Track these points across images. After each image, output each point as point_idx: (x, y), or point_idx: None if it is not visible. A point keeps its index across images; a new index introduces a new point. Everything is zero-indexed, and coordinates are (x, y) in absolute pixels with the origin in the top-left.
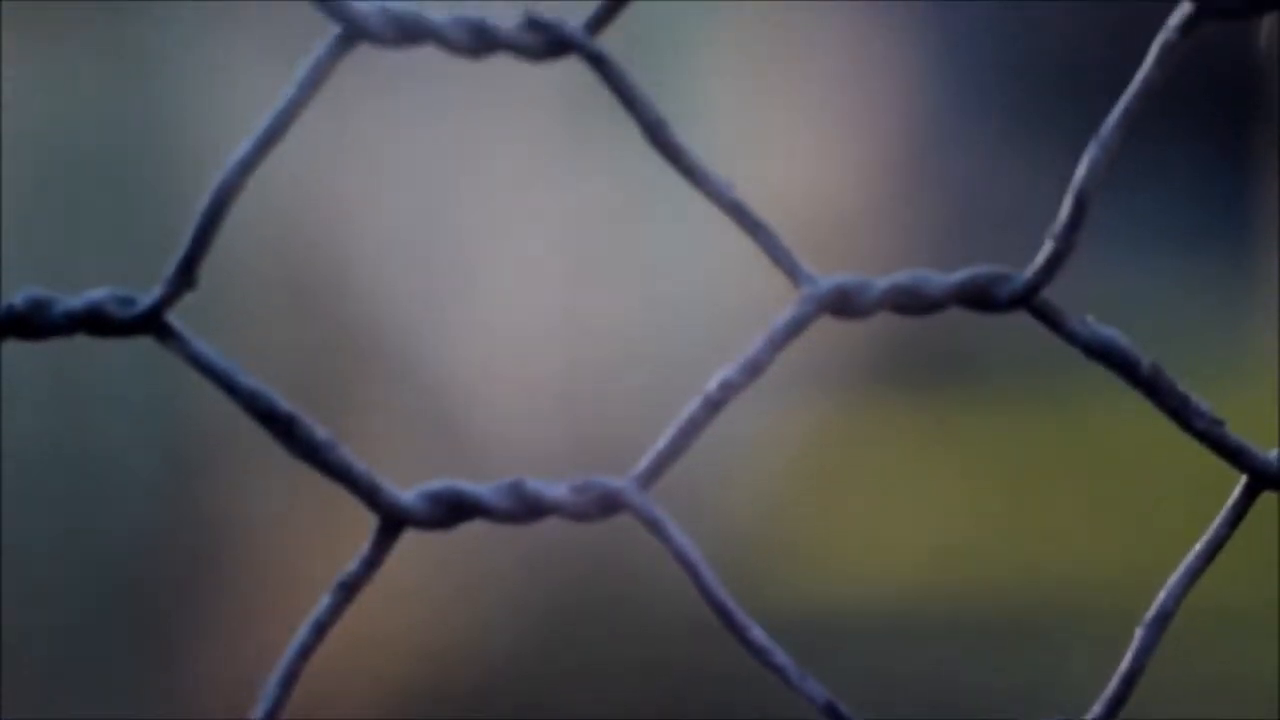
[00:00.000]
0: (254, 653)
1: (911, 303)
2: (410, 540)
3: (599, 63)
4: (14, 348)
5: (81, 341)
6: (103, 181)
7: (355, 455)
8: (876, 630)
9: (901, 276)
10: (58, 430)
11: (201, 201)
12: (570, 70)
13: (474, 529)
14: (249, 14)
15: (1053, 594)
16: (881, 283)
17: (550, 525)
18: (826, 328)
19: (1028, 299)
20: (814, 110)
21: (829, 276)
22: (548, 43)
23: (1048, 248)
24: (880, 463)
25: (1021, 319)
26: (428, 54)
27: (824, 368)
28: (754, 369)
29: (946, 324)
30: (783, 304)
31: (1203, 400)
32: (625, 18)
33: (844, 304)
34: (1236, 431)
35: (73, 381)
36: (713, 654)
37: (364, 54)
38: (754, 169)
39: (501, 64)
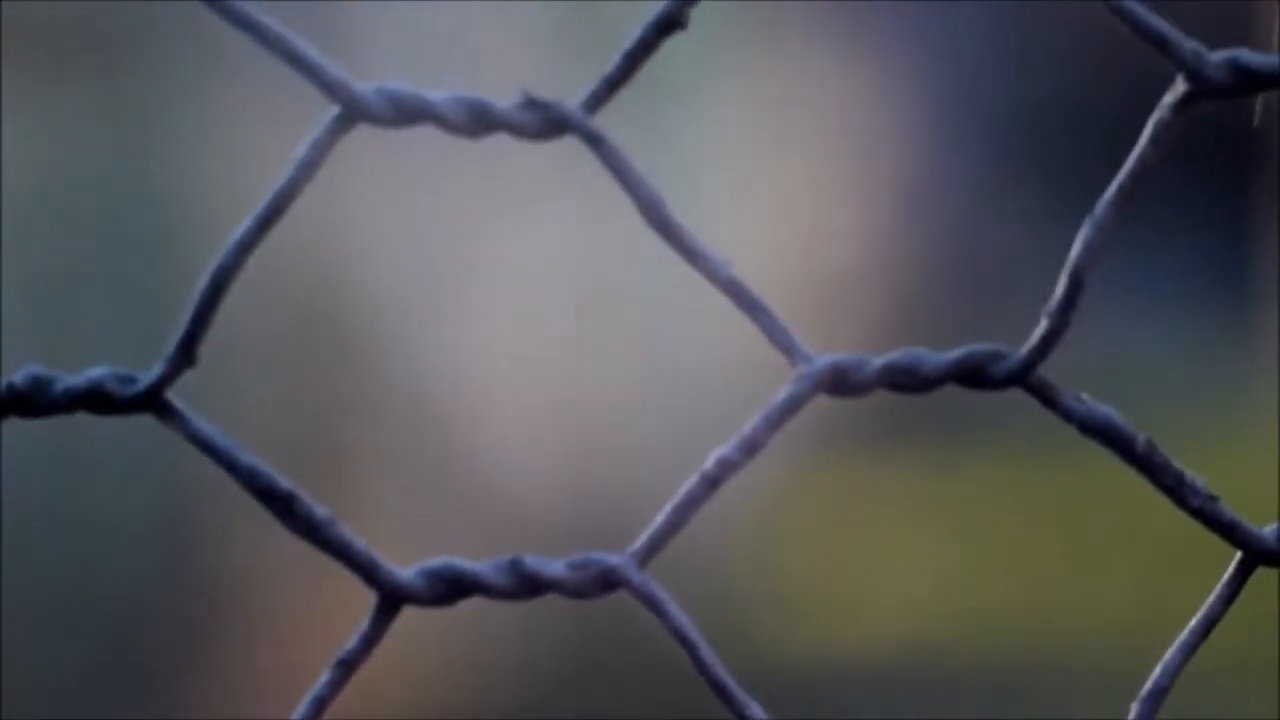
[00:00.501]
0: (253, 713)
1: (907, 381)
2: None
3: (596, 142)
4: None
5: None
6: (101, 236)
7: (354, 533)
8: (873, 683)
9: (897, 355)
10: (56, 487)
11: (201, 281)
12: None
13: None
14: (248, 70)
15: (1048, 647)
16: (877, 361)
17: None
18: None
19: (1023, 377)
20: (810, 163)
21: (825, 355)
22: (545, 122)
23: (1043, 326)
24: (875, 516)
25: (1010, 337)
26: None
27: (819, 421)
28: (751, 447)
29: None
30: (781, 371)
31: (1198, 477)
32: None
33: (840, 382)
34: (1237, 490)
35: (71, 438)
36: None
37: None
38: (750, 223)
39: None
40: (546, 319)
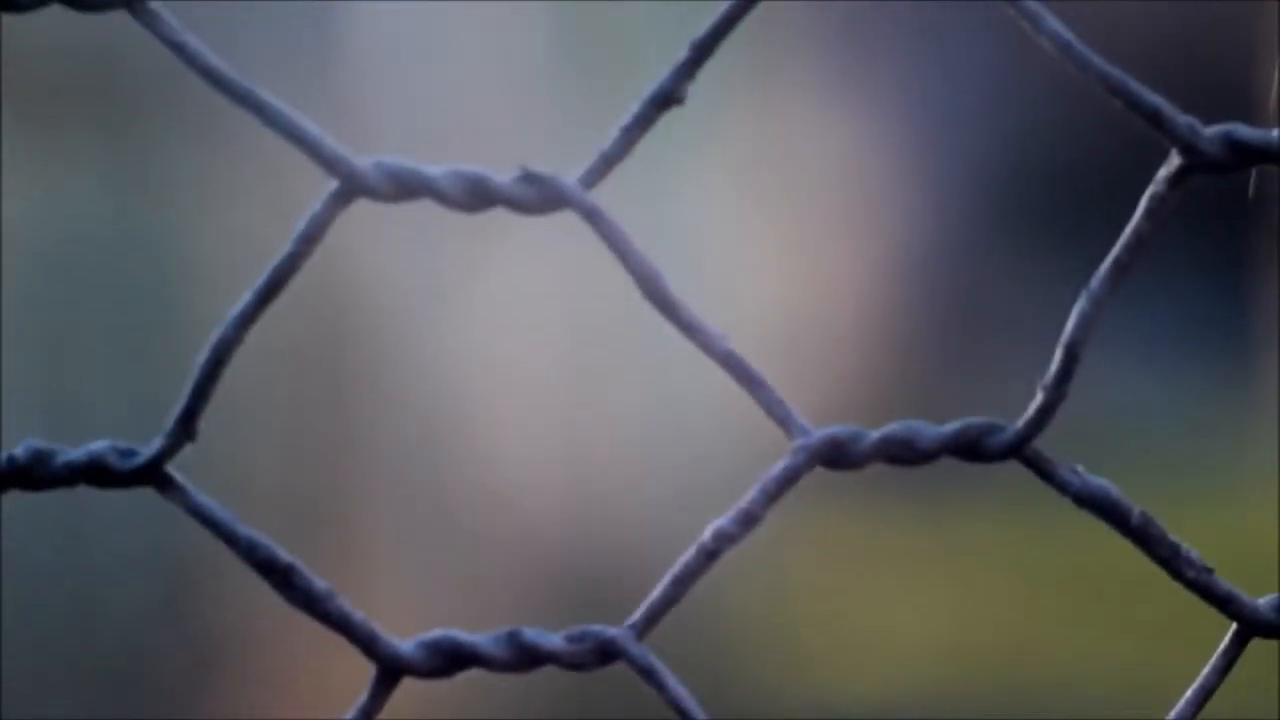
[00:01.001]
0: None
1: (903, 454)
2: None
3: (594, 217)
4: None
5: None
6: (101, 289)
7: (352, 606)
8: None
9: (894, 428)
10: (55, 540)
11: (201, 355)
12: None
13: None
14: (249, 125)
15: (1045, 705)
16: (873, 434)
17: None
18: (831, 424)
19: (1019, 450)
20: (805, 214)
21: (822, 429)
22: (543, 197)
23: (1038, 399)
24: (874, 568)
25: (1007, 390)
26: (425, 156)
27: (819, 472)
28: (749, 520)
29: None
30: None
31: (1192, 549)
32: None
33: (836, 455)
34: (1237, 536)
35: (69, 498)
36: None
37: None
38: (744, 273)
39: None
40: (545, 363)
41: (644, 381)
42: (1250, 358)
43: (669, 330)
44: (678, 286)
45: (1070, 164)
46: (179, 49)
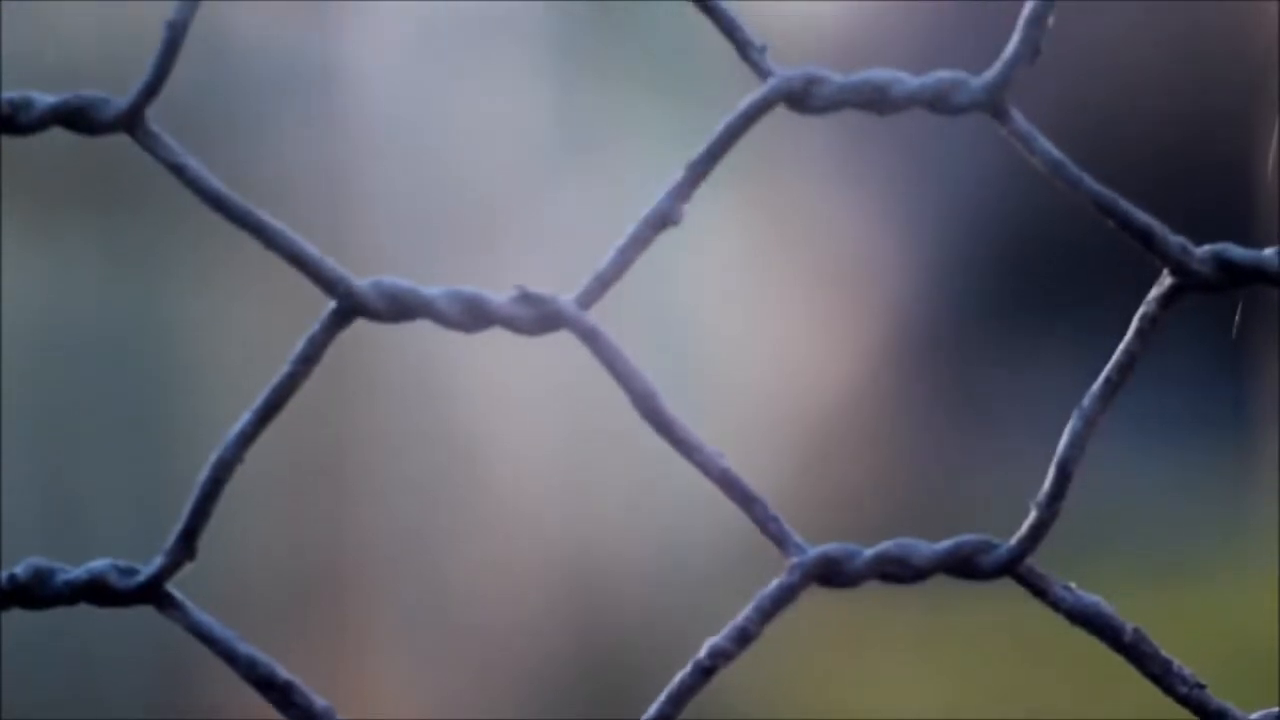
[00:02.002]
0: None
1: (898, 572)
2: None
3: (592, 338)
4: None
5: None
6: (100, 373)
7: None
8: None
9: (888, 546)
10: (52, 626)
11: (201, 474)
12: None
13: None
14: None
15: None
16: (868, 552)
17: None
18: (829, 509)
19: (1012, 567)
20: (805, 292)
21: (817, 547)
22: (540, 317)
23: (1032, 517)
24: (877, 650)
25: (1022, 503)
26: (421, 198)
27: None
28: (744, 638)
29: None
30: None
31: (1185, 666)
32: (622, 209)
33: (832, 573)
34: (1237, 621)
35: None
36: None
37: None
38: (747, 361)
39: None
40: (543, 454)
41: (644, 465)
42: (1249, 442)
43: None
44: (680, 366)
45: (1064, 247)
46: (179, 171)
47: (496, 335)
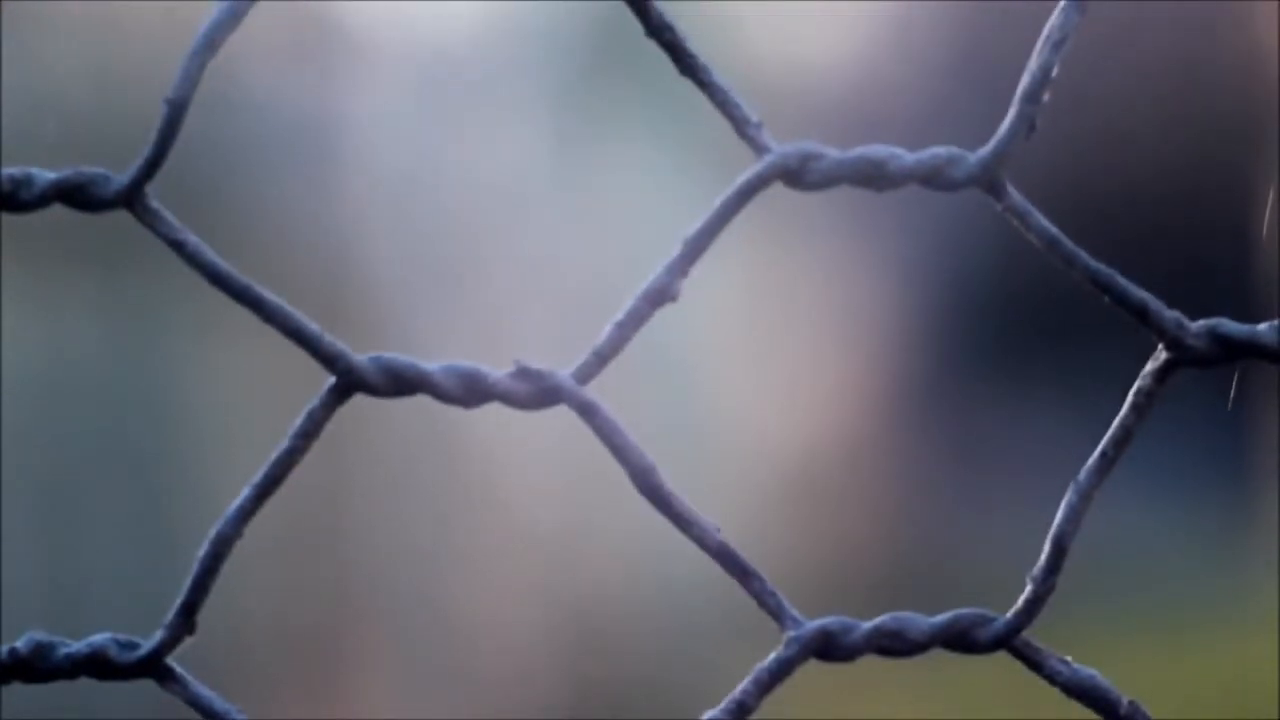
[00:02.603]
0: None
1: (894, 645)
2: None
3: (589, 412)
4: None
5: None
6: (99, 426)
7: None
8: None
9: (884, 620)
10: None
11: (201, 549)
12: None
13: None
14: (245, 269)
15: None
16: (865, 626)
17: None
18: (828, 558)
19: (1008, 641)
20: (807, 352)
21: (814, 621)
22: (538, 392)
23: (1028, 591)
24: (879, 699)
25: (1020, 557)
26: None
27: (822, 604)
28: (741, 711)
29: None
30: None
31: None
32: (627, 271)
33: (828, 647)
34: (1236, 674)
35: (69, 613)
36: None
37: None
38: (746, 410)
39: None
40: (542, 507)
41: (644, 512)
42: (1249, 494)
43: (668, 459)
44: (679, 416)
45: (1063, 298)
46: (179, 247)
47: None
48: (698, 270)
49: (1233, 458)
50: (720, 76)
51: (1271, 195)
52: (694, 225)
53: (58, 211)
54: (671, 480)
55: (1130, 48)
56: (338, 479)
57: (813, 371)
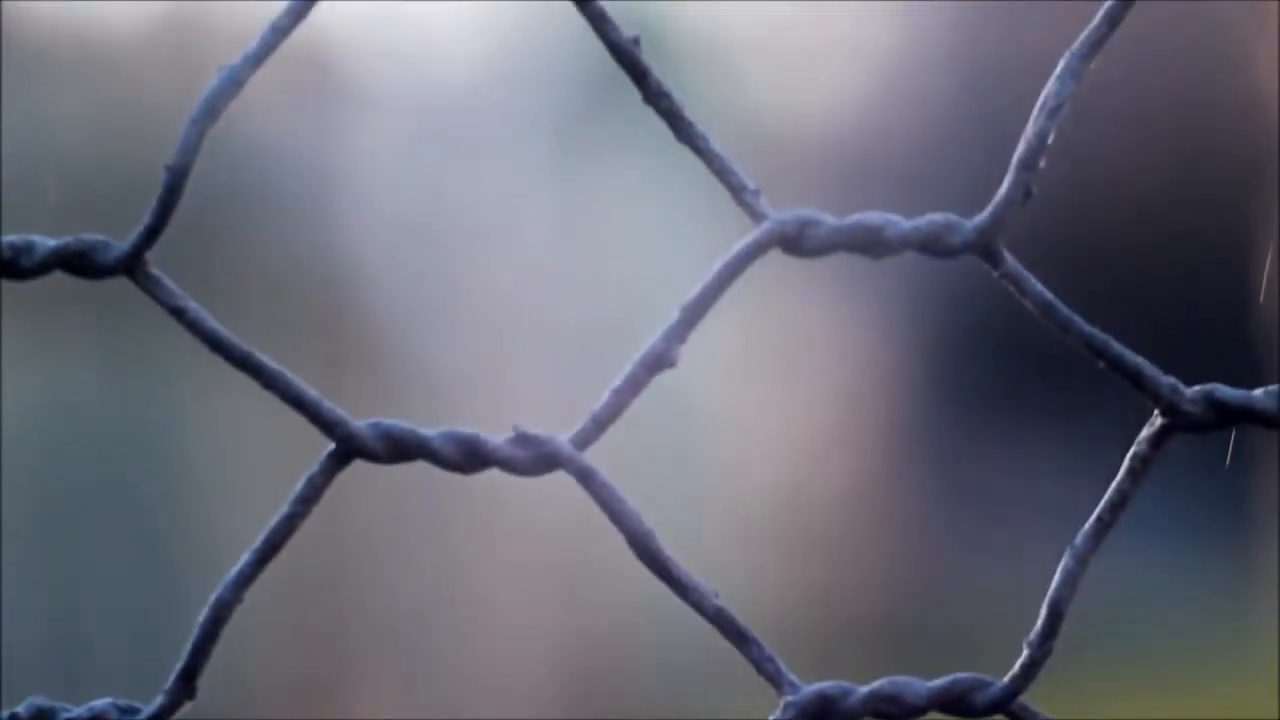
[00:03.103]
0: None
1: (891, 709)
2: None
3: (587, 478)
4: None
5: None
6: (97, 472)
7: None
8: None
9: (882, 684)
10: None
11: (200, 615)
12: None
13: None
14: (243, 318)
15: None
16: (861, 690)
17: None
18: (821, 612)
19: (1005, 705)
20: (811, 401)
21: (812, 686)
22: (536, 458)
23: (1024, 656)
24: None
25: (1019, 603)
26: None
27: (821, 659)
28: None
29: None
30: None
31: None
32: (629, 327)
33: (826, 711)
34: None
35: (67, 671)
36: None
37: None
38: (749, 459)
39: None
40: (542, 541)
41: (639, 571)
42: (1249, 549)
43: (664, 510)
44: (682, 461)
45: (1061, 342)
46: (179, 314)
47: (500, 423)
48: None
49: (1233, 509)
50: (717, 143)
51: (1271, 251)
52: (691, 292)
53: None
54: (668, 531)
55: (1129, 92)
56: (338, 527)
57: (809, 416)
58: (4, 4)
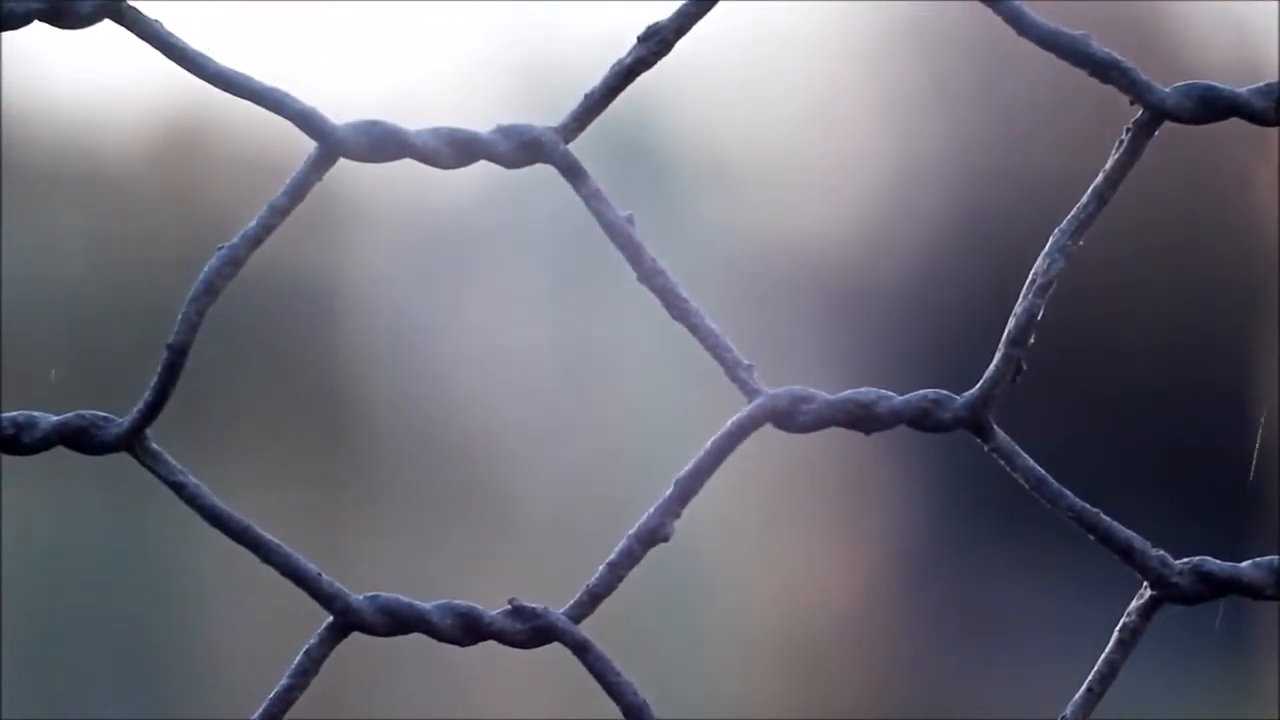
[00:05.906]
0: None
1: None
2: None
3: (582, 651)
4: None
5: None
6: (98, 595)
7: None
8: None
9: None
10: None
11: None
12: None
13: None
14: (242, 443)
15: None
16: None
17: None
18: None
19: None
20: (807, 522)
21: None
22: (532, 631)
23: None
24: None
25: (1012, 691)
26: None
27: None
28: None
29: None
30: None
31: None
32: (625, 428)
33: None
34: None
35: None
36: None
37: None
38: (750, 579)
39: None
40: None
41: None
42: (1247, 659)
43: (668, 625)
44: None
45: (1065, 451)
46: (178, 489)
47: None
48: (699, 434)
49: (1231, 630)
50: (711, 320)
51: (1274, 370)
52: (685, 467)
53: (60, 380)
54: (672, 645)
55: (1130, 216)
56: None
57: (813, 538)
58: (4, 126)
